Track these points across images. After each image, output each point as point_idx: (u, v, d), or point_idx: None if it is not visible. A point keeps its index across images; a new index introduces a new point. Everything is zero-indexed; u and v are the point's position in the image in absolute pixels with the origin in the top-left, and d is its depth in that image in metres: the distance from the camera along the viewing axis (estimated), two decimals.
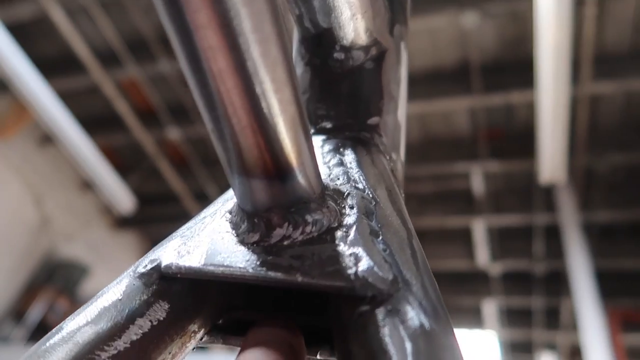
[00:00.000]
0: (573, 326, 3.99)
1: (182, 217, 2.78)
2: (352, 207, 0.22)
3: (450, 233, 4.45)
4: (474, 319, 5.18)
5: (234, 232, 0.21)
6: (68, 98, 3.74)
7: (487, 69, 3.06)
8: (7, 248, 4.30)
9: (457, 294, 4.92)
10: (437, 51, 3.13)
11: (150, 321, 0.19)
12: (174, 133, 3.89)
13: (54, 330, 0.18)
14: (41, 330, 4.60)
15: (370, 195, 0.23)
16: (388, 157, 0.29)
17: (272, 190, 0.20)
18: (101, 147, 4.03)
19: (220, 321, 0.23)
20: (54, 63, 3.71)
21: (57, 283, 4.57)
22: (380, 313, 0.18)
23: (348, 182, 0.24)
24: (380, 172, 0.26)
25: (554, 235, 3.68)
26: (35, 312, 4.60)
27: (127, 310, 0.19)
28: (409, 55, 0.34)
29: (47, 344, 0.17)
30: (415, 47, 3.09)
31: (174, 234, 0.23)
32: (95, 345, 0.18)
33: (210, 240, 0.21)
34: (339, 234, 0.21)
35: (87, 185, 4.72)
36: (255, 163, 0.19)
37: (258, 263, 0.20)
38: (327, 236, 0.21)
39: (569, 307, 4.15)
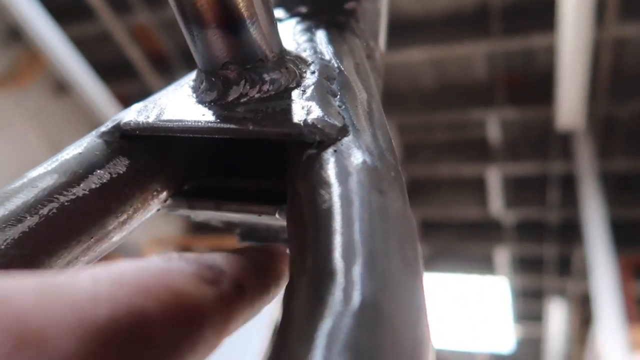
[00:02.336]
0: (585, 274, 4.03)
1: None
2: (313, 72, 0.22)
3: (464, 181, 4.44)
4: (486, 266, 5.25)
5: (194, 94, 0.22)
6: (80, 45, 3.71)
7: (508, 11, 2.93)
8: None
9: (470, 241, 4.96)
10: None
11: (110, 173, 0.20)
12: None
13: (16, 179, 0.19)
14: None
15: (335, 65, 0.23)
16: (365, 44, 0.28)
17: (224, 42, 0.20)
18: (114, 95, 4.03)
19: (186, 188, 0.23)
20: (65, 10, 3.66)
21: None
22: (326, 154, 0.18)
23: (314, 54, 0.23)
24: (351, 48, 0.25)
25: (570, 183, 3.64)
26: None
27: (86, 162, 0.20)
28: None
29: (9, 188, 0.18)
30: None
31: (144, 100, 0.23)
32: (54, 190, 0.18)
33: (170, 101, 0.22)
34: (296, 92, 0.21)
35: None
36: (206, 8, 0.19)
37: (213, 117, 0.20)
38: (285, 94, 0.21)
39: (582, 256, 4.17)
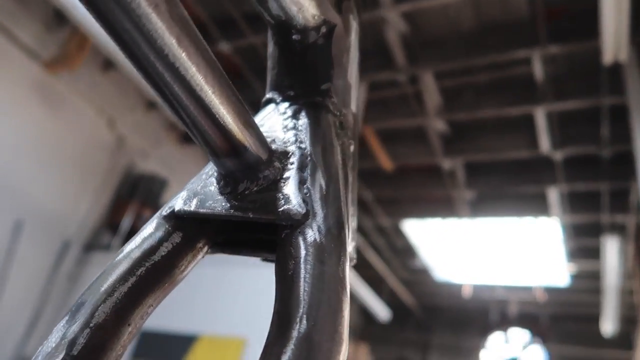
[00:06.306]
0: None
1: None
2: (292, 164, 0.32)
3: (510, 122, 4.36)
4: (539, 206, 5.20)
5: (217, 186, 0.32)
6: None
7: None
8: (93, 169, 4.76)
9: (521, 182, 4.91)
10: None
11: (172, 244, 0.31)
12: (225, 46, 3.95)
13: (119, 251, 0.30)
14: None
15: (308, 152, 0.33)
16: (338, 113, 0.37)
17: (233, 162, 0.30)
18: None
19: (220, 240, 0.34)
20: None
21: (140, 196, 5.04)
22: (294, 233, 0.29)
23: (295, 142, 0.33)
24: (323, 131, 0.35)
25: (620, 117, 3.52)
26: (126, 223, 5.18)
27: (157, 238, 0.31)
28: None
29: (117, 259, 0.29)
30: None
31: (185, 186, 0.34)
32: (142, 258, 0.29)
33: (203, 192, 0.32)
34: (280, 184, 0.31)
35: (152, 104, 4.98)
36: (219, 147, 0.29)
37: (228, 206, 0.31)
38: (272, 186, 0.31)
39: (637, 189, 4.06)
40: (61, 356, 0.24)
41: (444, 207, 5.70)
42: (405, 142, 4.88)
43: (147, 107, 5.11)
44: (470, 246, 6.52)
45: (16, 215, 4.44)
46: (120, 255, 0.29)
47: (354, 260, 0.41)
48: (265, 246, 0.34)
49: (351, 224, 0.37)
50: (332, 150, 0.34)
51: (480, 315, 8.66)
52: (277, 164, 0.32)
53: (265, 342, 0.24)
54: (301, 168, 0.32)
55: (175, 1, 0.24)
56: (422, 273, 7.68)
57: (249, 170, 0.31)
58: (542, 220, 5.40)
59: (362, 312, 9.03)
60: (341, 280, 0.27)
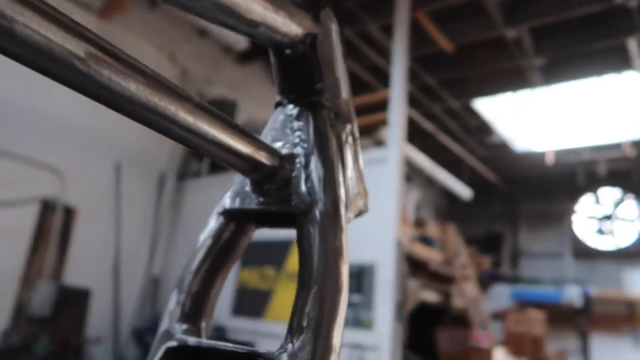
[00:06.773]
0: None
1: None
2: (299, 163, 0.42)
3: None
4: (618, 60, 4.82)
5: (250, 187, 0.43)
6: None
7: None
8: None
9: (595, 38, 4.54)
10: None
11: (229, 231, 0.43)
12: None
13: (197, 241, 0.42)
14: None
15: (310, 150, 0.42)
16: (332, 105, 0.46)
17: (255, 174, 0.41)
18: None
19: (262, 220, 0.45)
20: None
21: None
22: (304, 219, 0.39)
23: (300, 143, 0.43)
24: (320, 129, 0.44)
25: None
26: None
27: (219, 229, 0.43)
28: None
29: (197, 246, 0.42)
30: None
31: (230, 188, 0.45)
32: (213, 244, 0.42)
33: (243, 192, 0.44)
34: (292, 181, 0.41)
35: (204, 31, 5.06)
36: (243, 169, 0.40)
37: (258, 202, 0.42)
38: (287, 184, 0.41)
39: None
40: (179, 313, 0.40)
41: (514, 79, 5.45)
42: (462, 19, 4.62)
43: (201, 35, 5.21)
44: (548, 113, 6.26)
45: (114, 158, 4.95)
46: (199, 244, 0.43)
47: (366, 211, 0.50)
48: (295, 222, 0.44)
49: (354, 190, 0.47)
50: (327, 144, 0.43)
51: (567, 179, 8.48)
52: (287, 165, 0.42)
53: (294, 299, 0.37)
54: (306, 166, 0.41)
55: (188, 95, 0.33)
56: (501, 147, 7.56)
57: (268, 176, 0.42)
58: (624, 74, 5.02)
59: (444, 194, 9.18)
60: (337, 249, 0.38)
